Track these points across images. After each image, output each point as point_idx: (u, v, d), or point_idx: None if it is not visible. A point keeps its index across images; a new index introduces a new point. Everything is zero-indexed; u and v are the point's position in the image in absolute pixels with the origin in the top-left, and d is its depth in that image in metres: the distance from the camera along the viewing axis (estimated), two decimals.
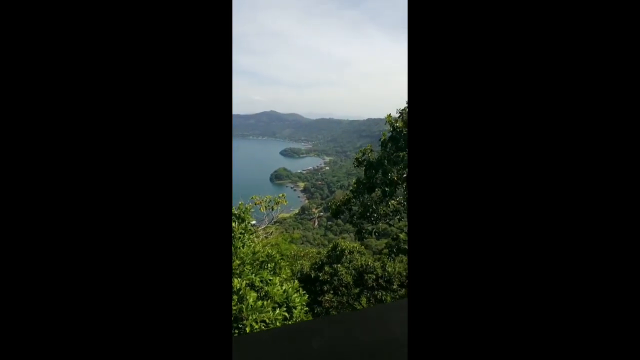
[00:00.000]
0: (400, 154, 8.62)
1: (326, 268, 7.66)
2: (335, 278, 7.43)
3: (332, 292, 7.36)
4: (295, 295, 3.08)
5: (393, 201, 8.97)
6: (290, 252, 8.89)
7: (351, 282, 7.48)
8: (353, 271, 7.73)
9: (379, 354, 1.01)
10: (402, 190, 8.91)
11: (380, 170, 8.71)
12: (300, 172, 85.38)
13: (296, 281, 3.54)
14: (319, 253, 9.35)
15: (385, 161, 8.66)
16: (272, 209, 6.09)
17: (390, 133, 8.78)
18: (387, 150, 8.76)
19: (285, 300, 2.99)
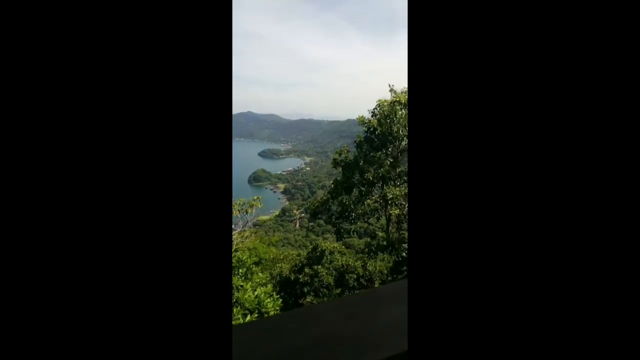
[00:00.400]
0: (376, 154, 8.74)
1: (306, 270, 7.62)
2: (316, 279, 7.41)
3: (312, 293, 7.33)
4: (268, 300, 3.02)
5: (369, 200, 9.08)
6: (269, 256, 8.81)
7: (332, 283, 7.48)
8: (334, 272, 7.73)
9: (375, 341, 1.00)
10: (379, 189, 9.04)
11: (357, 171, 8.80)
12: (280, 174, 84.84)
13: (269, 285, 3.49)
14: (298, 255, 9.31)
15: (361, 162, 8.76)
16: (247, 212, 6.00)
17: (365, 134, 8.90)
18: (363, 150, 8.87)
19: (257, 306, 2.93)
